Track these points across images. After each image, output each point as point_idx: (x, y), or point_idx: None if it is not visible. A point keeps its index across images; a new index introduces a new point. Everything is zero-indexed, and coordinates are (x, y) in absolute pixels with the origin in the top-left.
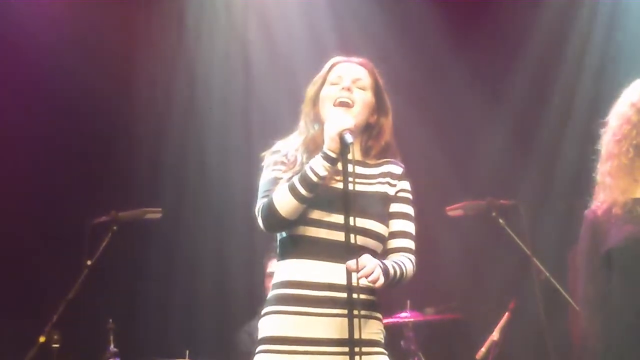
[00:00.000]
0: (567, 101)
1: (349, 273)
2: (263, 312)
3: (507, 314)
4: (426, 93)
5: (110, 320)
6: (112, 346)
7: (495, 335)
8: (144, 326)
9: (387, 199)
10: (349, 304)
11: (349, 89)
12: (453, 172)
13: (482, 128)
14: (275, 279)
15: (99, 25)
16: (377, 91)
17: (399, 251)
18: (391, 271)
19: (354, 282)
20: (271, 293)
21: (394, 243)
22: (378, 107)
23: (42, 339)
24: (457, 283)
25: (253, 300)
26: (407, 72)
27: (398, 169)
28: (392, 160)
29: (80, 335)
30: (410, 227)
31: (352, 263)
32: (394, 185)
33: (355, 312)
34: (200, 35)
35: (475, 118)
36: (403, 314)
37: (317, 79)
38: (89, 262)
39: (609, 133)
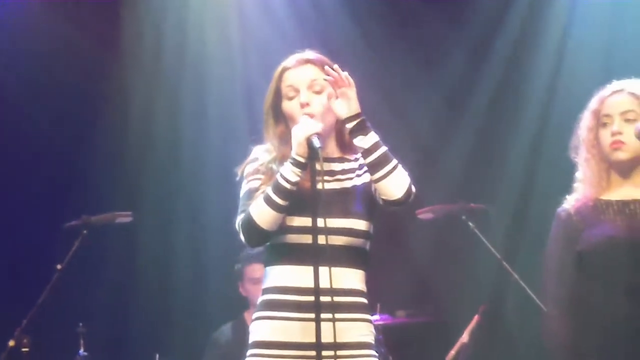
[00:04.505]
0: (540, 104)
1: (317, 277)
2: (254, 316)
3: (476, 316)
4: (393, 94)
5: (81, 324)
6: (82, 350)
7: (464, 337)
8: (114, 330)
9: (369, 189)
10: (316, 307)
11: (307, 104)
12: (424, 174)
13: (453, 131)
14: (265, 285)
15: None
16: None
17: None
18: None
19: (336, 286)
20: (261, 298)
21: None
22: None
23: (11, 343)
24: (428, 286)
25: (224, 304)
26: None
27: None
28: None
29: (50, 339)
30: None
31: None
32: None
33: (343, 315)
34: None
35: (444, 121)
36: (374, 317)
37: (270, 90)
38: (59, 266)
39: (575, 140)
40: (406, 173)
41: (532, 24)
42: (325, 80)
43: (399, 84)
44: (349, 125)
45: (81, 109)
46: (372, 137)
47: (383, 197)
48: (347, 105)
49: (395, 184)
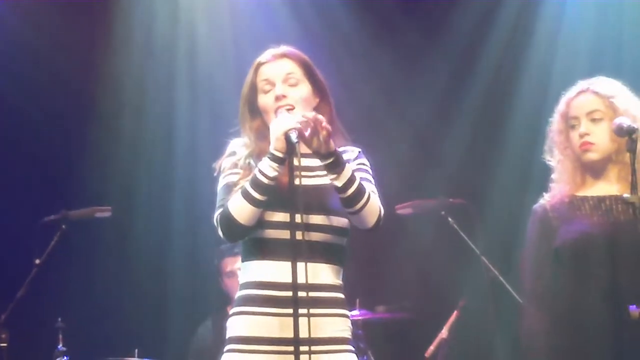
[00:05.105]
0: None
1: (295, 272)
2: (231, 312)
3: (455, 312)
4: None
5: (59, 319)
6: (61, 345)
7: (444, 333)
8: (92, 325)
9: None
10: (294, 303)
11: (283, 96)
12: (404, 170)
13: (433, 126)
14: (242, 279)
15: (48, 30)
16: (310, 76)
17: None
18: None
19: (312, 281)
20: (238, 293)
21: None
22: (316, 90)
23: None
24: (407, 281)
25: (202, 300)
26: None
27: (354, 153)
28: (347, 148)
29: (29, 334)
30: (368, 185)
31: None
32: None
33: (320, 310)
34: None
35: (426, 116)
36: (353, 312)
37: (245, 85)
38: (37, 261)
39: (548, 142)
40: (377, 201)
41: (523, 25)
42: (299, 123)
43: (392, 83)
44: (322, 163)
45: (72, 105)
46: (345, 175)
47: (355, 225)
48: (321, 145)
49: (367, 217)
